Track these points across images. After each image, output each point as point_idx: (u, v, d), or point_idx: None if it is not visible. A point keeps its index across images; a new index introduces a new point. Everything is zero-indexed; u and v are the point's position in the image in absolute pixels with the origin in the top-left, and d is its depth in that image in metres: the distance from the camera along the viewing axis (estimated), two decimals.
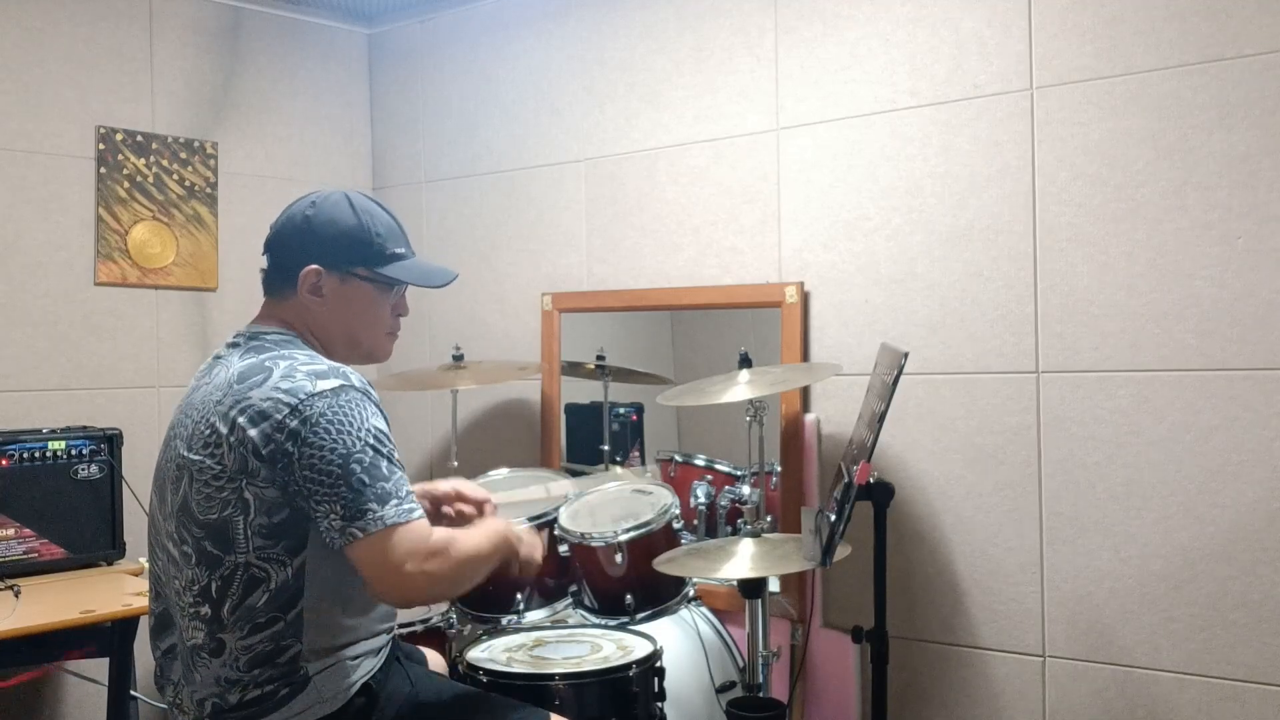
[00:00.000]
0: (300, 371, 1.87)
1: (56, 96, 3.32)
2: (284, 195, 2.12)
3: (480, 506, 2.28)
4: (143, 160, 3.47)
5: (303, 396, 1.83)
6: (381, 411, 1.91)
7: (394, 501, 1.81)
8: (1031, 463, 2.65)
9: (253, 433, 1.82)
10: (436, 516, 2.29)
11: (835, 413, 2.94)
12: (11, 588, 2.75)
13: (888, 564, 2.33)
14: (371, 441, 1.84)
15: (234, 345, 2.00)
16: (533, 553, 2.11)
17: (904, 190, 2.82)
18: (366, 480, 1.80)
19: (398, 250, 2.05)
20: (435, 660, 2.35)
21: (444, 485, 2.31)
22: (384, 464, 1.83)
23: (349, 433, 1.82)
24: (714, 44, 3.16)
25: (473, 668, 2.39)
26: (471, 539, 1.95)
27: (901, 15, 2.82)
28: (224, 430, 1.84)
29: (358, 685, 1.93)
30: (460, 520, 2.27)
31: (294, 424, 1.81)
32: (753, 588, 2.56)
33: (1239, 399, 2.39)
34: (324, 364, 1.91)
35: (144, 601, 2.62)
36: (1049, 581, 2.63)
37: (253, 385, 1.86)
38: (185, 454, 1.89)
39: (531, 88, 3.59)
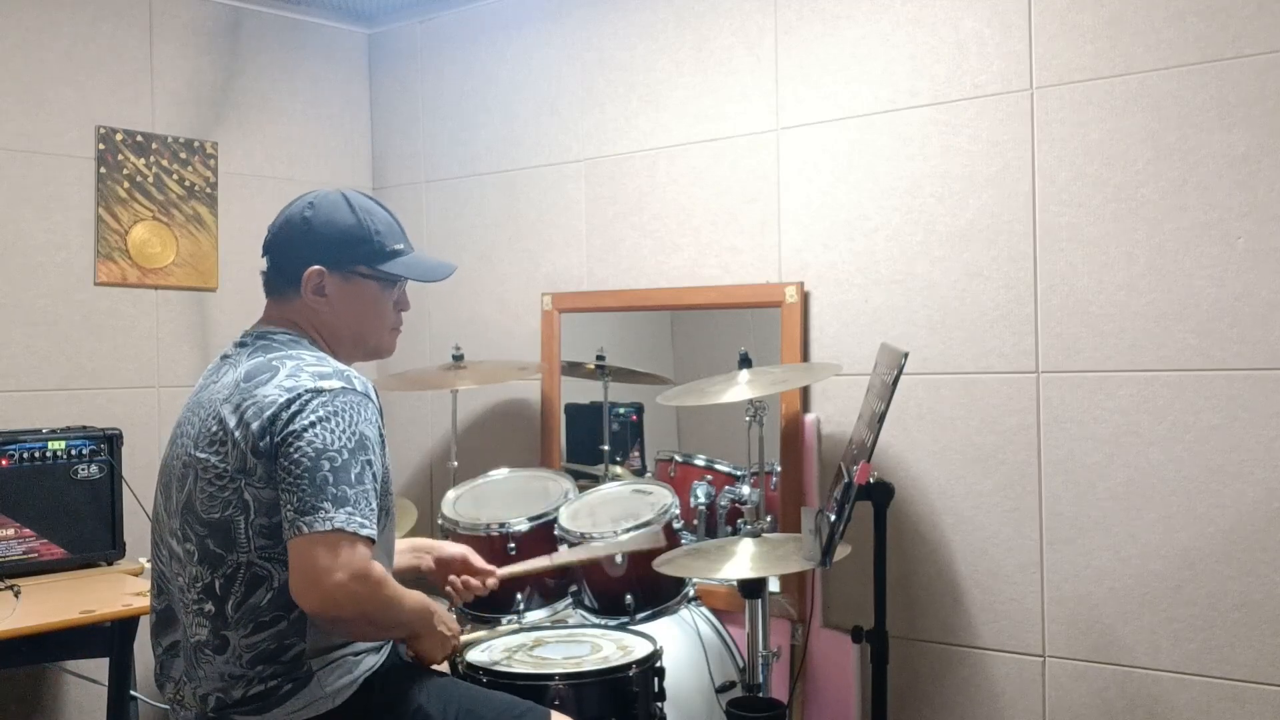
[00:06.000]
0: (306, 372, 1.89)
1: (56, 96, 3.32)
2: (284, 195, 2.12)
3: (484, 578, 2.31)
4: (143, 160, 3.47)
5: (302, 392, 1.85)
6: (378, 420, 1.92)
7: (348, 509, 1.79)
8: (1031, 463, 2.65)
9: (254, 427, 1.84)
10: (440, 584, 2.30)
11: (835, 413, 2.94)
12: (11, 588, 2.75)
13: (888, 564, 2.33)
14: (352, 445, 1.83)
15: (242, 345, 2.01)
16: (433, 653, 2.09)
17: (904, 190, 2.82)
18: (331, 480, 1.79)
19: (397, 246, 2.06)
20: None
21: (451, 549, 2.33)
22: (355, 471, 1.82)
23: (332, 430, 1.82)
24: (714, 44, 3.16)
25: (473, 667, 2.39)
26: (402, 590, 1.93)
27: (901, 15, 2.82)
28: (231, 425, 1.86)
29: (360, 682, 1.94)
30: (462, 594, 2.29)
31: (286, 415, 1.83)
32: (753, 588, 2.56)
33: (1239, 399, 2.39)
34: (330, 366, 1.93)
35: (144, 601, 2.62)
36: (1049, 581, 2.63)
37: (259, 383, 1.88)
38: (192, 452, 1.90)
39: (531, 88, 3.59)
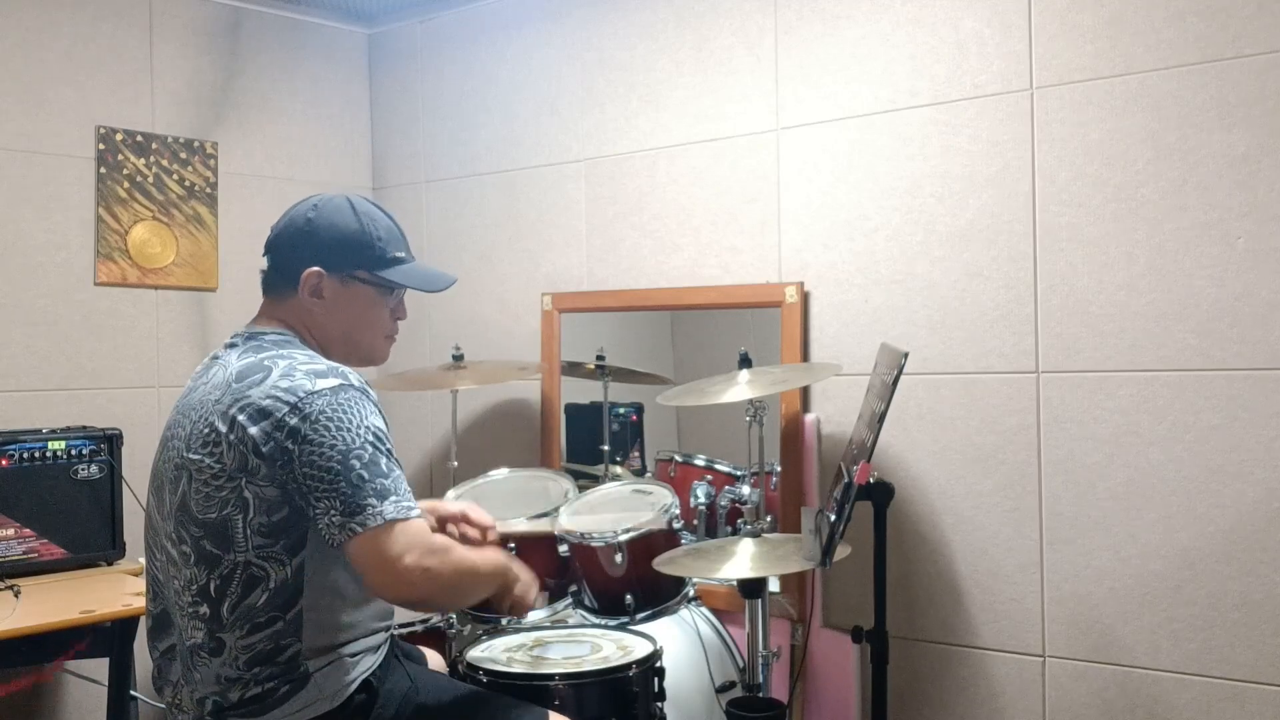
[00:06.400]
0: (300, 370, 1.88)
1: (56, 96, 3.32)
2: (284, 195, 2.13)
3: (484, 532, 2.31)
4: (143, 160, 3.47)
5: (302, 394, 1.84)
6: (380, 410, 1.93)
7: (393, 498, 1.82)
8: (1031, 463, 2.65)
9: (253, 430, 1.83)
10: (442, 533, 2.30)
11: (835, 413, 2.94)
12: (11, 588, 2.75)
13: (888, 564, 2.33)
14: (370, 439, 1.84)
15: (231, 345, 2.01)
16: (526, 593, 2.10)
17: (904, 190, 2.82)
18: (366, 476, 1.81)
19: (398, 254, 2.07)
20: (435, 660, 2.35)
21: (452, 506, 2.33)
22: (383, 461, 1.84)
23: (348, 430, 1.83)
24: (714, 44, 3.16)
25: (473, 667, 2.39)
26: (470, 554, 1.95)
27: (901, 15, 2.82)
28: (223, 429, 1.85)
29: (357, 682, 1.94)
30: (463, 543, 2.28)
31: (294, 421, 1.82)
32: (753, 588, 2.56)
33: (1239, 399, 2.39)
34: (323, 363, 1.93)
35: (143, 602, 2.62)
36: (1049, 581, 2.63)
37: (252, 384, 1.87)
38: (184, 454, 1.89)
39: (531, 88, 3.59)
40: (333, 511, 1.80)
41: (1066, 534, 2.60)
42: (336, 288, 2.02)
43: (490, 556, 2.02)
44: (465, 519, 2.31)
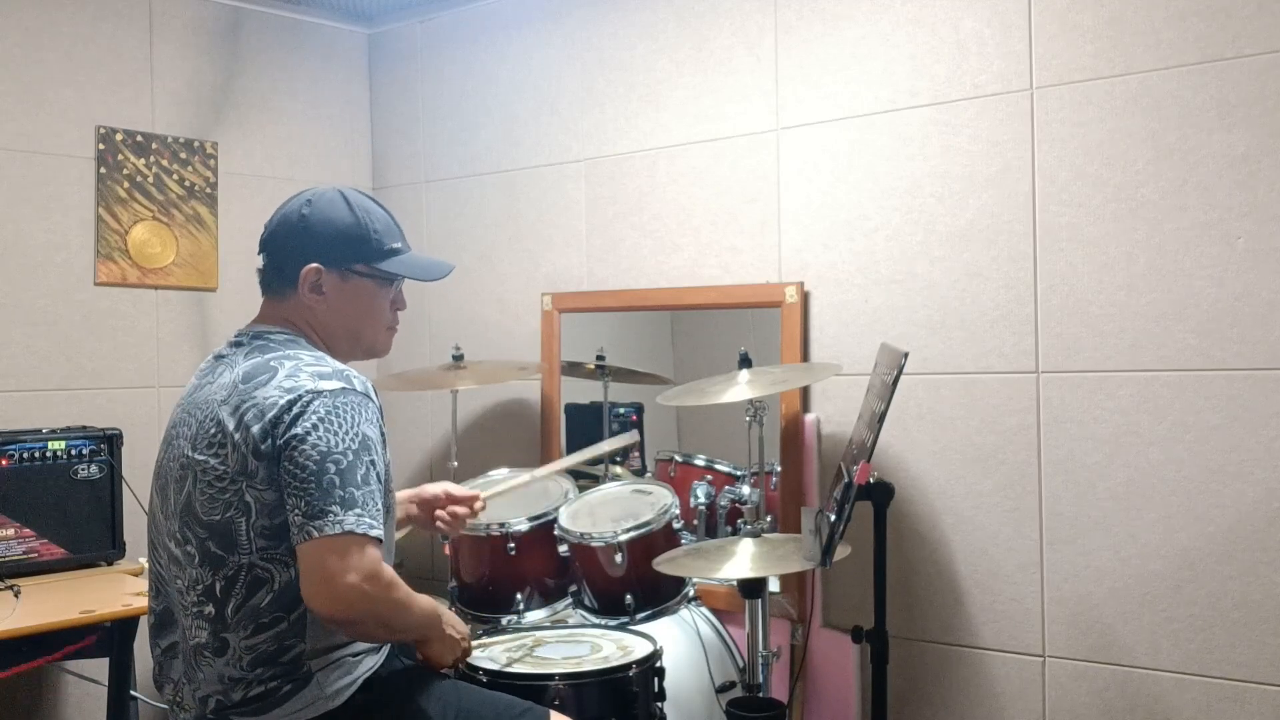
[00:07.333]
0: (305, 372, 1.88)
1: (56, 96, 3.32)
2: (284, 195, 2.12)
3: (470, 504, 2.31)
4: (143, 160, 3.47)
5: (303, 393, 1.84)
6: (379, 419, 1.92)
7: (357, 510, 1.79)
8: (1031, 463, 2.65)
9: (255, 429, 1.84)
10: (430, 523, 2.31)
11: (835, 413, 2.94)
12: (11, 588, 2.75)
13: (888, 564, 2.33)
14: (355, 446, 1.83)
15: (237, 344, 2.00)
16: (443, 657, 2.09)
17: (904, 190, 2.82)
18: (337, 482, 1.80)
19: (395, 245, 2.06)
20: None
21: (433, 488, 2.33)
22: (360, 472, 1.82)
23: (335, 433, 1.82)
24: (714, 44, 3.16)
25: (472, 667, 2.39)
26: (412, 594, 1.93)
27: (901, 15, 2.82)
28: (230, 428, 1.85)
29: (359, 682, 1.94)
30: (454, 524, 2.29)
31: (288, 418, 1.83)
32: (753, 588, 2.56)
33: (1239, 399, 2.39)
34: (329, 366, 1.92)
35: (144, 601, 2.61)
36: (1049, 581, 2.63)
37: (258, 385, 1.88)
38: (190, 453, 1.89)
39: (531, 88, 3.59)
40: (297, 511, 1.80)
41: (1066, 534, 2.60)
42: (336, 283, 2.02)
43: (428, 601, 2.00)
44: (449, 498, 2.32)
